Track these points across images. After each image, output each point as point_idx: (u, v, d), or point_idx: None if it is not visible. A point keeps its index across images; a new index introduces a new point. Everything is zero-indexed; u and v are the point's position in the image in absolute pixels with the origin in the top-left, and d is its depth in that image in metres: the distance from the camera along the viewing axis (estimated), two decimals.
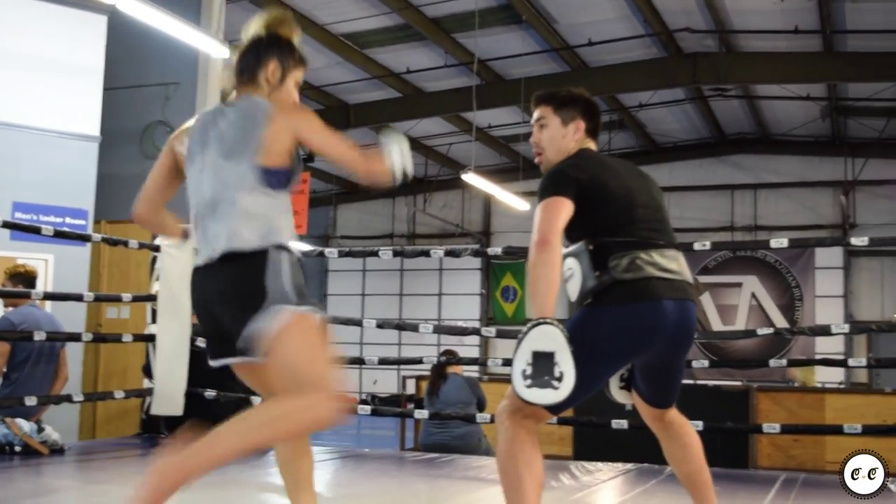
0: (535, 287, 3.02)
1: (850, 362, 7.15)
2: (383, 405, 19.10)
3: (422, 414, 7.06)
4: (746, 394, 8.64)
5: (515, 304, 24.36)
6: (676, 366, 3.41)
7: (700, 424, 5.76)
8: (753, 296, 21.69)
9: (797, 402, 8.58)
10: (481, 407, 7.78)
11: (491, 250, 6.91)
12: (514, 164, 21.28)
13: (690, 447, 3.49)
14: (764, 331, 7.34)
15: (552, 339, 2.88)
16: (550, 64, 16.13)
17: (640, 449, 7.20)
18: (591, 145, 3.49)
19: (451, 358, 7.52)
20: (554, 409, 3.08)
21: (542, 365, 2.86)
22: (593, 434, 8.14)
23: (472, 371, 15.94)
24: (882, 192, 21.09)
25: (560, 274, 3.07)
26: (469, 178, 15.20)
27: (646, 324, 3.12)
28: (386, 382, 23.50)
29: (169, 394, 6.79)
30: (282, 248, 2.94)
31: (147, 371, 7.06)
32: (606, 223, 3.19)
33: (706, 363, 6.76)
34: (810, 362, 7.09)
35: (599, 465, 6.27)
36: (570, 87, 3.69)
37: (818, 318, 20.28)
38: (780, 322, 20.49)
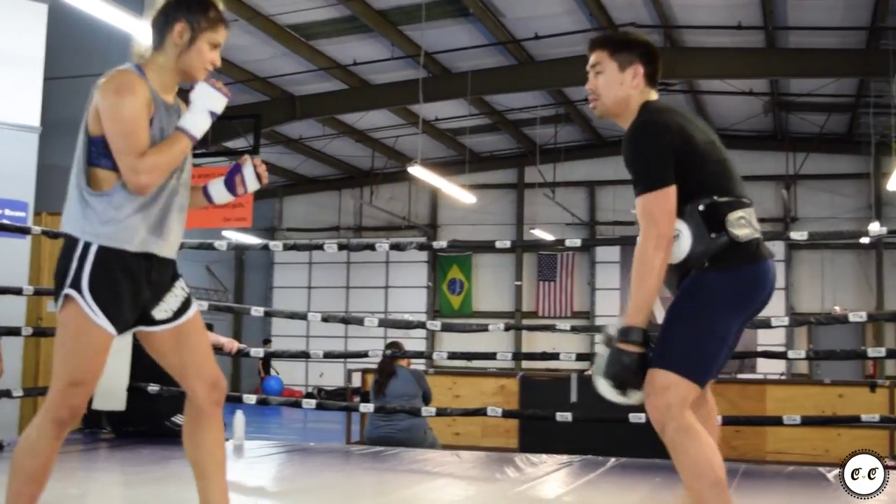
0: (647, 284, 2.99)
1: (791, 354, 7.27)
2: (329, 398, 19.05)
3: (367, 408, 7.05)
4: None
5: (462, 297, 24.42)
6: (743, 330, 3.26)
7: (643, 417, 5.81)
8: None
9: (739, 394, 8.67)
10: (427, 400, 7.78)
11: (436, 244, 6.91)
12: (460, 156, 21.30)
13: (712, 433, 3.26)
14: None
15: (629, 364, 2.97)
16: (497, 57, 16.17)
17: (584, 441, 7.28)
18: (653, 94, 3.31)
19: (396, 352, 7.51)
20: (702, 378, 3.02)
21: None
22: (539, 426, 8.18)
23: (418, 364, 15.95)
24: (822, 187, 21.46)
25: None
26: (415, 170, 15.18)
27: (759, 284, 3.07)
28: (332, 375, 23.49)
29: (111, 389, 6.71)
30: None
31: None
32: (711, 181, 3.07)
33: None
34: (751, 354, 7.18)
35: (544, 457, 6.30)
36: (626, 31, 3.46)
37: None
38: None
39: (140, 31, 8.33)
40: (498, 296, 24.26)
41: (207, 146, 13.28)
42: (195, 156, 13.18)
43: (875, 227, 7.05)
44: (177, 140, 2.98)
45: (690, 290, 3.05)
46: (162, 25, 3.08)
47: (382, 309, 24.26)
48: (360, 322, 6.83)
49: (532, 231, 21.67)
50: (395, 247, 6.76)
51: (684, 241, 3.04)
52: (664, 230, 2.99)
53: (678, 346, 3.00)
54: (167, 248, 3.07)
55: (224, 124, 15.06)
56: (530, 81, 16.74)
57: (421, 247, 7.75)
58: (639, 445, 7.13)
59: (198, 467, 3.16)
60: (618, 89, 3.25)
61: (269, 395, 13.34)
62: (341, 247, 6.81)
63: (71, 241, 2.95)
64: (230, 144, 16.51)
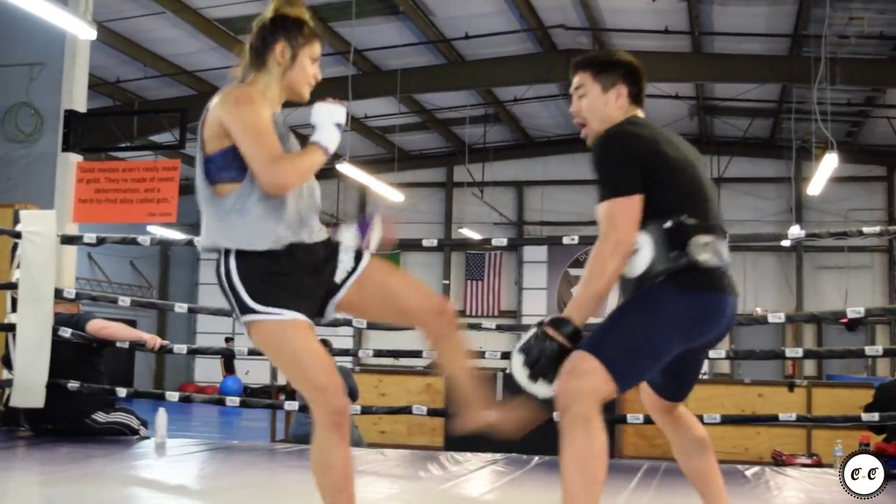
0: (594, 286, 2.94)
1: (712, 354, 7.37)
2: (255, 396, 18.89)
3: (291, 405, 7.01)
4: None
5: None
6: (702, 359, 3.30)
7: None
8: None
9: None
10: (353, 397, 7.77)
11: None
12: (389, 154, 21.27)
13: (703, 440, 3.26)
14: None
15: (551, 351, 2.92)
16: (427, 56, 16.18)
17: (506, 440, 7.30)
18: (639, 112, 3.24)
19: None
20: (624, 385, 2.92)
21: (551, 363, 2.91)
22: None
23: (344, 361, 15.90)
24: (745, 190, 21.85)
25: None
26: (344, 168, 15.12)
27: (713, 315, 2.99)
28: (258, 373, 23.24)
29: (29, 385, 6.57)
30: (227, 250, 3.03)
31: (6, 362, 6.82)
32: (682, 202, 3.00)
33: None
34: None
35: (469, 455, 6.32)
36: (609, 50, 3.41)
37: None
38: None
39: (64, 21, 8.18)
40: None
41: (132, 140, 13.06)
42: (124, 149, 12.99)
43: (795, 230, 7.18)
44: (313, 151, 3.04)
45: (644, 296, 2.98)
46: (261, 48, 3.20)
47: None
48: None
49: (460, 230, 21.74)
50: None
51: (644, 256, 2.98)
52: (623, 237, 2.94)
53: (613, 342, 2.91)
54: (312, 236, 3.10)
55: (150, 118, 14.85)
56: (460, 81, 16.78)
57: None
58: None
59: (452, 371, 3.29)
60: (602, 111, 3.23)
61: (226, 395, 13.16)
62: None
63: (217, 261, 3.05)
64: (155, 138, 16.26)
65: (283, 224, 3.00)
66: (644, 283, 2.98)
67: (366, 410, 6.94)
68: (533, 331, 2.96)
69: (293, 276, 2.99)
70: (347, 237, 3.30)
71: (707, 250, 2.96)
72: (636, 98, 3.23)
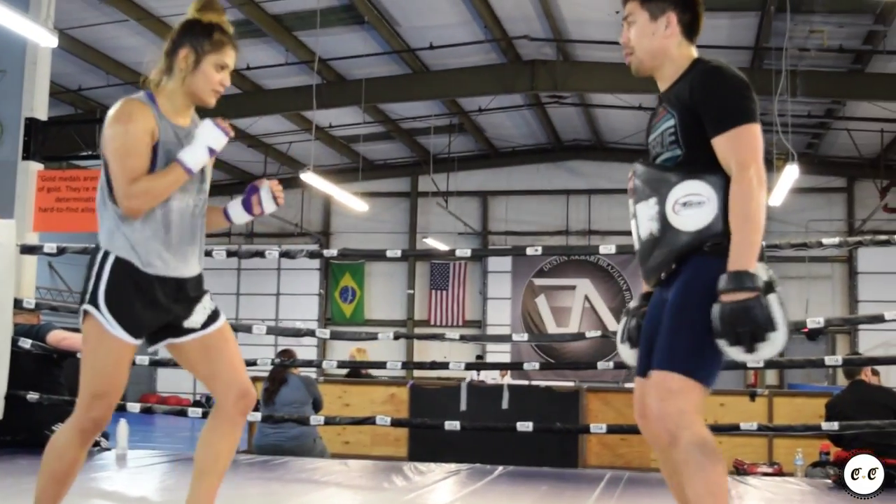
0: (754, 222, 2.65)
1: None
2: None
3: (254, 416, 6.97)
4: (577, 394, 8.86)
5: (354, 305, 24.33)
6: None
7: (530, 426, 5.88)
8: (586, 298, 22.32)
9: (625, 403, 8.83)
10: (317, 407, 7.74)
11: (327, 252, 6.90)
12: (353, 164, 21.24)
13: None
14: (592, 334, 7.56)
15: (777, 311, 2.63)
16: (392, 66, 16.18)
17: (472, 449, 7.32)
18: (693, 50, 2.99)
19: (285, 360, 7.44)
20: (711, 382, 2.74)
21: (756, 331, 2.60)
22: (427, 435, 8.20)
23: (309, 372, 15.82)
24: None
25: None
26: (308, 177, 15.08)
27: None
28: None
29: None
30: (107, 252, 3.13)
31: None
32: None
33: (537, 365, 6.92)
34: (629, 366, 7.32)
35: (432, 465, 6.32)
36: None
37: None
38: (612, 324, 21.10)
39: (25, 28, 8.09)
40: (390, 304, 24.23)
41: (94, 148, 12.95)
42: (86, 157, 12.86)
43: None
44: (171, 170, 3.08)
45: (692, 282, 2.73)
46: (170, 52, 3.21)
47: (273, 316, 24.00)
48: (248, 330, 6.75)
49: (425, 240, 21.74)
50: (285, 254, 6.72)
51: (707, 212, 2.72)
52: (762, 167, 2.69)
53: (685, 346, 2.69)
54: (188, 269, 3.21)
55: None
56: (424, 91, 16.80)
57: (311, 254, 7.71)
58: (526, 454, 7.22)
59: (199, 466, 3.21)
60: (650, 41, 2.97)
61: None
62: (230, 253, 6.73)
63: (93, 252, 3.15)
64: None
65: (162, 252, 3.12)
66: (691, 247, 2.74)
67: (329, 421, 6.92)
68: (720, 310, 2.62)
69: (144, 302, 3.09)
70: (236, 213, 3.42)
71: None
72: (689, 28, 2.98)
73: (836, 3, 12.46)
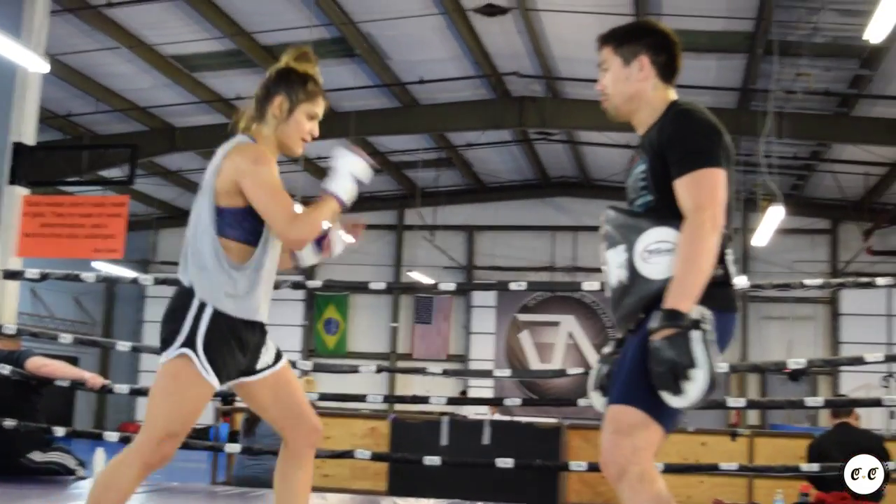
0: (699, 265, 2.59)
1: None
2: (199, 437, 18.63)
3: (233, 448, 6.92)
4: (558, 431, 8.84)
5: (337, 337, 24.25)
6: None
7: (510, 462, 5.85)
8: (570, 335, 22.32)
9: None
10: None
11: (311, 283, 6.87)
12: None
13: None
14: (574, 370, 7.55)
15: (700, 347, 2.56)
16: (382, 99, 16.25)
17: (453, 485, 7.28)
18: (671, 92, 2.94)
19: None
20: (670, 426, 2.68)
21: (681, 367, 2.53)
22: (408, 469, 8.16)
23: None
24: None
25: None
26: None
27: (730, 336, 2.75)
28: (202, 414, 22.94)
29: None
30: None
31: None
32: (726, 204, 2.73)
33: (519, 400, 6.89)
34: None
35: (412, 500, 6.28)
36: (639, 20, 3.09)
37: None
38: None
39: (15, 53, 8.12)
40: (374, 337, 24.16)
41: (81, 174, 12.96)
42: (72, 183, 12.81)
43: (741, 281, 7.27)
44: (327, 202, 3.19)
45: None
46: (263, 99, 3.30)
47: None
48: None
49: (409, 273, 21.73)
50: None
51: (672, 260, 2.68)
52: (718, 212, 2.64)
53: (646, 385, 2.61)
54: (267, 311, 3.30)
55: (100, 153, 14.74)
56: (413, 124, 16.86)
57: (295, 285, 7.68)
58: (506, 490, 7.19)
59: (281, 502, 3.36)
60: (624, 85, 2.94)
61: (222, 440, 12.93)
62: None
63: (186, 298, 3.17)
64: (105, 173, 16.15)
65: (256, 300, 3.20)
66: (660, 295, 2.65)
67: None
68: (649, 349, 2.60)
69: (239, 348, 3.18)
70: (306, 253, 3.47)
71: (733, 265, 2.74)
72: (665, 69, 2.93)
73: (822, 47, 12.58)
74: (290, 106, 3.26)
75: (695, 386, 2.53)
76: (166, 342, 3.14)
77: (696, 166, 2.66)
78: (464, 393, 20.23)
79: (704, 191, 2.64)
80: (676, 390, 2.54)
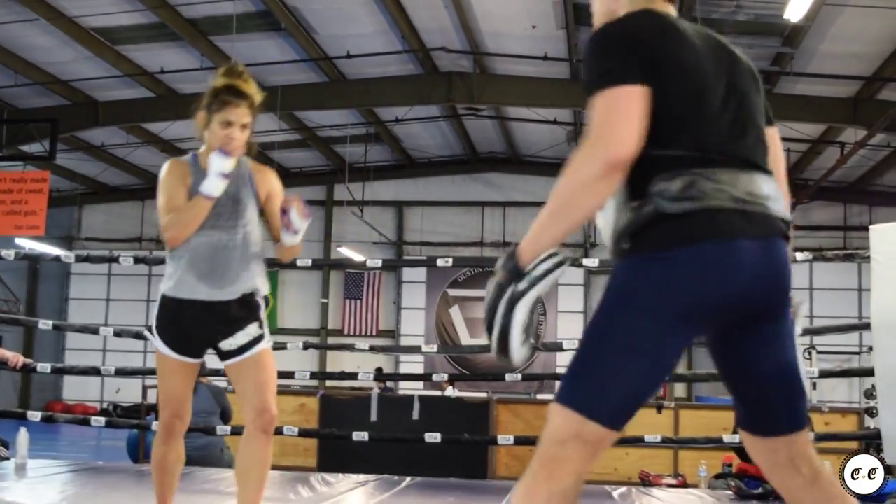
0: (558, 221, 2.15)
1: None
2: (127, 415, 18.42)
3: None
4: (487, 405, 8.91)
5: (267, 313, 23.97)
6: (781, 349, 2.25)
7: (438, 437, 5.89)
8: None
9: (534, 414, 8.90)
10: (226, 418, 7.65)
11: None
12: None
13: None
14: None
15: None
16: (309, 73, 16.12)
17: (381, 460, 7.31)
18: (659, 4, 2.35)
19: None
20: (614, 423, 2.12)
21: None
22: (337, 446, 8.16)
23: (220, 381, 15.64)
24: None
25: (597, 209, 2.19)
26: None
27: (708, 277, 2.11)
28: (130, 391, 22.71)
29: None
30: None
31: None
32: (661, 125, 2.15)
33: (446, 376, 6.94)
34: (548, 376, 7.38)
35: (340, 476, 6.29)
36: None
37: (560, 333, 21.21)
38: None
39: None
40: (305, 313, 24.07)
41: (0, 150, 12.68)
42: None
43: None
44: (195, 201, 3.61)
45: (606, 290, 2.22)
46: (196, 116, 3.80)
47: None
48: None
49: (339, 249, 21.66)
50: None
51: (608, 212, 2.27)
52: (616, 145, 2.08)
53: (583, 371, 2.16)
54: (223, 295, 3.69)
55: (20, 128, 14.43)
56: (341, 99, 16.77)
57: None
58: (435, 464, 7.23)
59: (237, 478, 3.74)
60: (602, 4, 2.47)
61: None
62: (138, 260, 6.62)
63: None
64: (26, 148, 15.82)
65: (188, 282, 3.66)
66: (617, 256, 2.25)
67: (236, 431, 6.84)
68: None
69: (174, 323, 3.69)
70: (210, 182, 3.66)
71: (682, 192, 2.13)
72: None
73: (745, 24, 12.76)
74: (207, 119, 3.72)
75: (492, 340, 2.17)
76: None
77: (592, 93, 2.18)
78: (380, 369, 20.25)
79: (596, 118, 2.14)
80: (497, 348, 2.18)
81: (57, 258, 6.97)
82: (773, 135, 2.44)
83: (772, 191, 2.22)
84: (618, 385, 2.11)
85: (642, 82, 2.14)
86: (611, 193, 2.15)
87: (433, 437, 6.05)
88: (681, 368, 21.14)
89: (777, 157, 2.43)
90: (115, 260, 6.44)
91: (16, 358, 6.62)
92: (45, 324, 6.96)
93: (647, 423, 8.40)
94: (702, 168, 2.15)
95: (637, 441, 6.66)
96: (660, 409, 8.86)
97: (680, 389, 20.64)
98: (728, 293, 2.13)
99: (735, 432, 6.62)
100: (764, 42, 13.52)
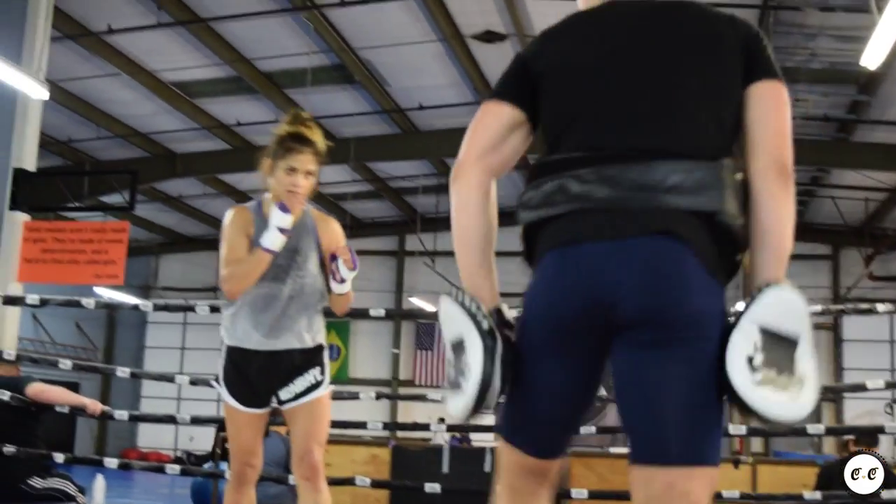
0: (453, 232, 2.17)
1: None
2: (199, 463, 18.54)
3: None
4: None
5: (338, 363, 24.18)
6: (655, 368, 1.87)
7: None
8: None
9: (609, 468, 8.77)
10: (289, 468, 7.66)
11: None
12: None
13: None
14: None
15: (461, 316, 2.00)
16: (381, 125, 16.29)
17: None
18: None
19: (271, 418, 7.37)
20: (532, 448, 2.04)
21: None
22: (408, 497, 8.11)
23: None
24: None
25: (479, 217, 2.15)
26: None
27: (550, 292, 1.98)
28: (203, 439, 22.88)
29: None
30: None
31: None
32: (551, 131, 2.07)
33: None
34: (622, 430, 7.26)
35: None
36: None
37: None
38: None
39: (16, 80, 8.15)
40: (375, 363, 24.12)
41: (82, 200, 12.97)
42: (73, 209, 12.80)
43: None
44: (255, 255, 3.60)
45: None
46: (262, 164, 3.75)
47: None
48: None
49: (410, 299, 21.71)
50: None
51: None
52: (462, 159, 2.14)
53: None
54: (282, 343, 3.70)
55: (101, 179, 14.76)
56: (413, 150, 16.90)
57: None
58: None
59: None
60: None
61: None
62: (214, 309, 6.67)
63: None
64: (106, 199, 16.17)
65: (244, 331, 3.69)
66: None
67: None
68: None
69: (235, 373, 3.71)
70: (269, 236, 3.64)
71: (541, 201, 2.02)
72: None
73: (820, 73, 12.63)
74: (272, 166, 3.67)
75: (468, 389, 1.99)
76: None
77: None
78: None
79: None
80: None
81: (135, 307, 7.07)
82: (761, 93, 2.05)
83: (677, 179, 1.89)
84: (517, 410, 2.05)
85: (506, 99, 2.11)
86: (462, 205, 2.12)
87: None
88: (756, 421, 20.64)
89: (760, 120, 2.03)
90: (191, 309, 6.50)
91: (94, 405, 6.70)
92: (122, 371, 7.04)
93: (725, 478, 8.21)
94: (579, 168, 1.95)
95: (715, 497, 6.51)
96: (737, 463, 8.67)
97: (757, 444, 20.20)
98: (570, 307, 1.92)
99: (816, 489, 6.45)
100: (840, 90, 13.35)
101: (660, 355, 1.85)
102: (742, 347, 1.80)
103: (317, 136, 3.70)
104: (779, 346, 1.79)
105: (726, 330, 1.89)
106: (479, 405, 1.95)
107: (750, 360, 1.78)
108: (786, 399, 1.74)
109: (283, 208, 3.57)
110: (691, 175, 1.89)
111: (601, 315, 1.88)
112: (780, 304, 1.85)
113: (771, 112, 2.03)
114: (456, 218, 2.12)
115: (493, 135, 2.10)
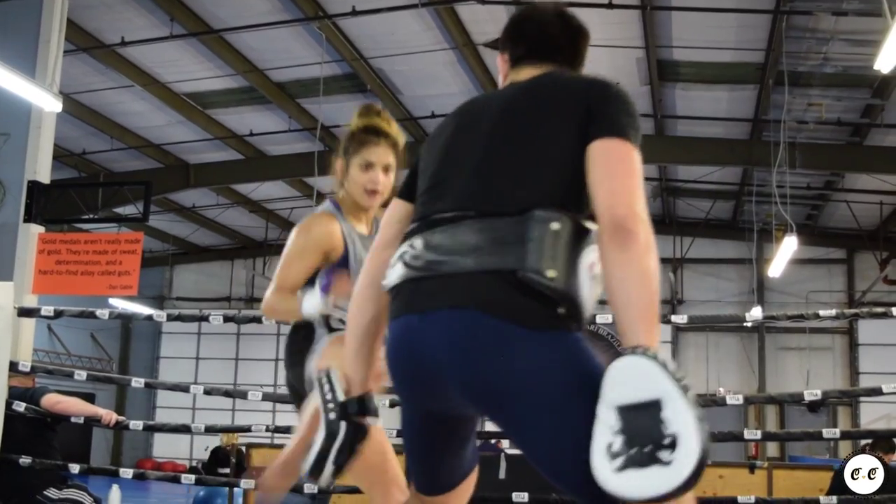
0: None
1: None
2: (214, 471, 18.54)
3: (248, 484, 6.90)
4: None
5: None
6: (432, 426, 2.22)
7: (526, 496, 5.82)
8: None
9: None
10: None
11: None
12: None
13: None
14: None
15: (317, 395, 2.19)
16: None
17: None
18: (516, 74, 2.30)
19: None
20: (417, 484, 2.34)
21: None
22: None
23: None
24: (707, 270, 22.02)
25: (364, 307, 2.27)
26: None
27: (392, 352, 2.13)
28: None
29: None
30: None
31: None
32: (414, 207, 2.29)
33: None
34: None
35: None
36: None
37: None
38: None
39: (30, 93, 8.19)
40: None
41: (96, 212, 13.01)
42: (87, 221, 12.82)
43: (756, 312, 7.25)
44: (294, 302, 3.21)
45: None
46: (333, 166, 3.40)
47: (271, 382, 23.89)
48: (243, 395, 6.71)
49: None
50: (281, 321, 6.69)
51: None
52: (369, 254, 2.35)
53: None
54: None
55: (115, 191, 14.81)
56: None
57: None
58: None
59: None
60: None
61: None
62: (227, 318, 6.71)
63: None
64: (120, 210, 16.22)
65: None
66: None
67: (324, 490, 6.85)
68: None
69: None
70: (312, 301, 3.33)
71: (395, 266, 2.13)
72: (517, 57, 2.33)
73: (833, 77, 12.60)
74: (345, 164, 3.32)
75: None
76: None
77: None
78: None
79: None
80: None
81: (149, 317, 7.10)
82: (598, 151, 2.04)
83: (478, 239, 1.97)
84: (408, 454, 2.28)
85: (401, 196, 2.31)
86: (354, 294, 2.28)
87: (521, 497, 5.98)
88: (772, 426, 20.64)
89: (595, 181, 2.01)
90: (205, 319, 6.53)
91: (109, 415, 6.74)
92: (137, 381, 7.08)
93: (740, 483, 8.19)
94: (413, 237, 2.10)
95: (730, 502, 6.49)
96: (752, 468, 8.63)
97: (773, 449, 20.12)
98: (411, 370, 2.08)
99: (829, 492, 6.42)
100: (853, 94, 13.30)
101: (509, 430, 2.05)
102: (600, 438, 1.77)
103: (393, 128, 3.37)
104: (642, 416, 1.73)
105: (574, 362, 1.99)
106: (315, 472, 2.12)
107: (609, 446, 1.75)
108: (653, 474, 1.69)
109: (324, 293, 3.21)
110: (493, 233, 1.96)
111: (431, 381, 2.03)
112: (627, 376, 1.80)
113: (604, 170, 2.02)
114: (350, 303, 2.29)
115: (390, 231, 2.27)
